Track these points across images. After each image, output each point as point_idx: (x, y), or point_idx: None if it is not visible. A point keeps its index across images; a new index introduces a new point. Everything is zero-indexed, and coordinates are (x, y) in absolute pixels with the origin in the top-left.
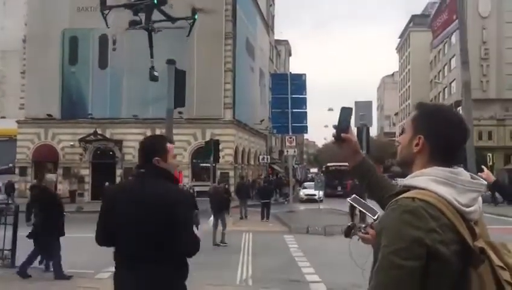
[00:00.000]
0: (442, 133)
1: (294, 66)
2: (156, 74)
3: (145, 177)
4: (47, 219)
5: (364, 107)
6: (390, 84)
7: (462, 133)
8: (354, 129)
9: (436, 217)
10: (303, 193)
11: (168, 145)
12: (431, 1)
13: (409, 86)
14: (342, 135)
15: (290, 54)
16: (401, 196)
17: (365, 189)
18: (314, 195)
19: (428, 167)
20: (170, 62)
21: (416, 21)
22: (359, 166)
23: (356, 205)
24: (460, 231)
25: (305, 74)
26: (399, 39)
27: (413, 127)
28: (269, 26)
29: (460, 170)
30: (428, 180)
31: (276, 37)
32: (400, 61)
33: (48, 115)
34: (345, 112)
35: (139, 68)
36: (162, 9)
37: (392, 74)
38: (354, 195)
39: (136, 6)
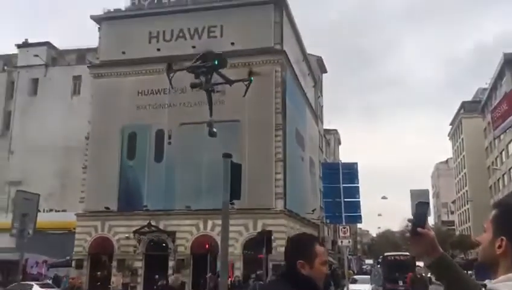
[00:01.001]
0: None
1: (344, 153)
2: (214, 130)
3: (278, 283)
4: None
5: (420, 195)
6: (445, 171)
7: None
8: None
9: None
10: (352, 288)
11: (317, 248)
12: (481, 87)
13: (465, 173)
14: (419, 229)
15: (339, 143)
16: None
17: (445, 287)
18: None
19: None
20: (226, 156)
21: (467, 107)
22: (438, 263)
23: None
24: None
25: (356, 163)
26: (450, 126)
27: (494, 228)
28: (318, 117)
29: None
30: None
31: (324, 127)
32: (453, 148)
33: (105, 207)
34: (421, 207)
35: (192, 161)
36: (220, 72)
37: (446, 161)
38: None
39: (199, 69)
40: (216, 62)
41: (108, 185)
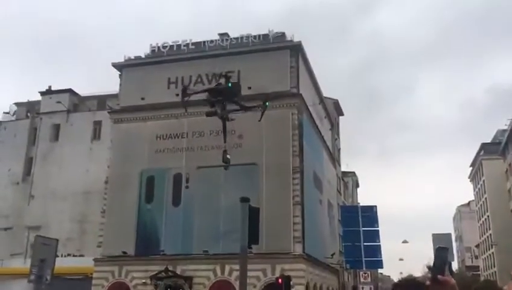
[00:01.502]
0: None
1: (363, 196)
2: (228, 156)
3: None
4: None
5: (443, 240)
6: (467, 214)
7: None
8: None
9: None
10: None
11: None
12: (500, 129)
13: (488, 216)
14: (439, 277)
15: (357, 185)
16: None
17: None
18: None
19: None
20: (244, 200)
21: (487, 149)
22: None
23: None
24: None
25: (375, 206)
26: (471, 168)
27: None
28: (335, 159)
29: None
30: None
31: (342, 169)
32: (474, 190)
33: (123, 252)
34: (441, 252)
35: (210, 204)
36: (235, 100)
37: (468, 203)
38: None
39: (214, 95)
40: (229, 84)
41: (126, 229)
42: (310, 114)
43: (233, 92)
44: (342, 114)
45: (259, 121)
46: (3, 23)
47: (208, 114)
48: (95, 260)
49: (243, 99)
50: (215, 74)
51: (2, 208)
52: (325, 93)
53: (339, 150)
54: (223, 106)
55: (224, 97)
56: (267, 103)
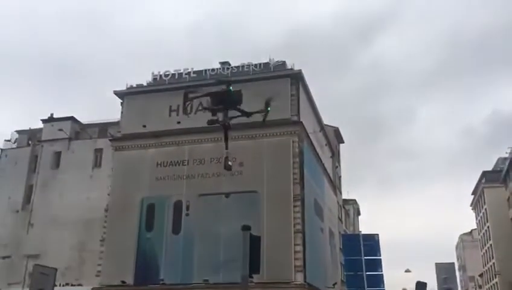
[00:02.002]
0: None
1: (364, 224)
2: (230, 163)
3: None
4: None
5: (446, 269)
6: (470, 243)
7: None
8: None
9: None
10: None
11: None
12: (501, 157)
13: (490, 245)
14: None
15: (358, 213)
16: None
17: None
18: None
19: None
20: (245, 228)
21: (488, 177)
22: None
23: None
24: None
25: (377, 234)
26: (472, 196)
27: None
28: (336, 187)
29: None
30: None
31: (343, 197)
32: (476, 219)
33: (121, 281)
34: (420, 287)
35: (210, 232)
36: (238, 107)
37: (470, 232)
38: None
39: (215, 99)
40: (230, 88)
41: (125, 258)
42: (311, 142)
43: (235, 99)
44: (343, 142)
45: (263, 122)
46: (5, 50)
47: (209, 122)
48: (94, 289)
49: (244, 127)
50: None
51: (0, 236)
52: (325, 121)
53: (339, 177)
54: (224, 113)
55: (225, 104)
56: (268, 108)
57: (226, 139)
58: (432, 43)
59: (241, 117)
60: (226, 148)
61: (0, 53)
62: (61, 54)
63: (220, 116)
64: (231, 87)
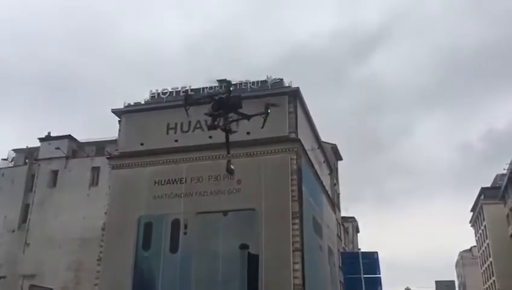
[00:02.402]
0: None
1: (363, 242)
2: (232, 167)
3: None
4: None
5: (447, 287)
6: (470, 260)
7: None
8: None
9: None
10: None
11: None
12: (499, 173)
13: (490, 262)
14: None
15: (357, 231)
16: None
17: None
18: None
19: None
20: (243, 247)
21: (487, 194)
22: None
23: None
24: None
25: (376, 252)
26: (471, 212)
27: None
28: (335, 204)
29: None
30: None
31: (342, 214)
32: (476, 235)
33: None
34: None
35: (208, 250)
36: (239, 111)
37: (470, 249)
38: None
39: (215, 100)
40: (231, 88)
41: (122, 277)
42: (309, 159)
43: (235, 103)
44: (341, 159)
45: (261, 128)
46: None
47: (210, 127)
48: None
49: (244, 144)
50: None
51: None
52: (323, 138)
53: (338, 194)
54: (225, 117)
55: (226, 110)
56: (269, 110)
57: (228, 144)
58: (428, 60)
59: (241, 133)
60: (228, 152)
61: None
62: (59, 73)
63: (220, 120)
64: (231, 88)
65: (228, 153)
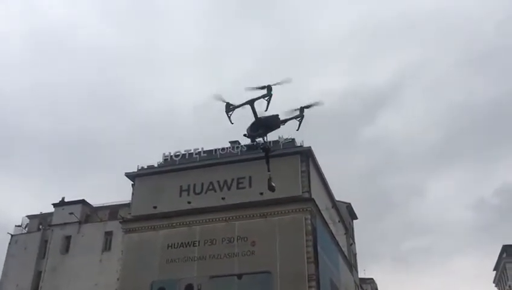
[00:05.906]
0: None
1: None
2: (273, 184)
3: None
4: None
5: None
6: None
7: None
8: None
9: None
10: None
11: None
12: None
13: None
14: None
15: None
16: None
17: None
18: None
19: None
20: None
21: (509, 251)
22: None
23: None
24: None
25: None
26: (494, 271)
27: None
28: (352, 265)
29: None
30: None
31: (360, 275)
32: None
33: None
34: None
35: None
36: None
37: None
38: None
39: (254, 123)
40: (271, 92)
41: None
42: (323, 218)
43: (274, 123)
44: (356, 218)
45: (297, 130)
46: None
47: (250, 147)
48: None
49: (257, 205)
50: (226, 181)
51: None
52: (337, 197)
53: (355, 255)
54: (264, 137)
55: (264, 130)
56: (303, 114)
57: (268, 161)
58: (439, 117)
59: (254, 194)
60: (268, 170)
61: (15, 136)
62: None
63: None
64: (271, 90)
65: (269, 171)
